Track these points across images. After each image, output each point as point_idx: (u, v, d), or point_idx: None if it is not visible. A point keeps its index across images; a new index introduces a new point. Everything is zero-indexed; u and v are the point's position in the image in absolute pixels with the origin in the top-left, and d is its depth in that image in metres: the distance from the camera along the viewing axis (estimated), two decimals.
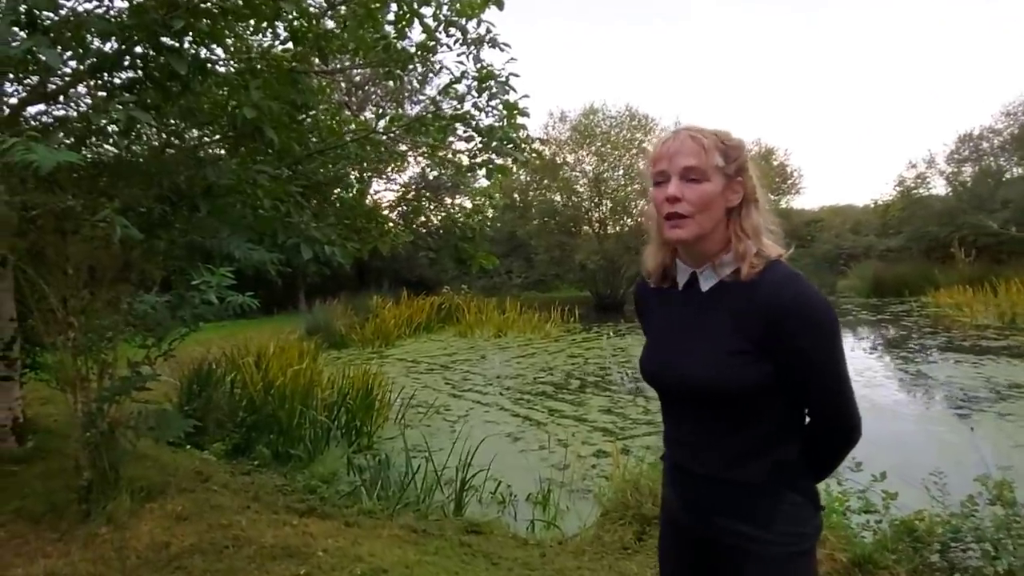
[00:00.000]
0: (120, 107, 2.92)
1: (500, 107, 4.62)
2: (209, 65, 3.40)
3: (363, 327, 15.32)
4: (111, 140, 3.24)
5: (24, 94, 4.37)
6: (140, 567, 3.00)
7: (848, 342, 13.10)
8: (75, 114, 3.52)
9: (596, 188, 21.49)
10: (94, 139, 3.33)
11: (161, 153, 3.48)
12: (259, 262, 3.84)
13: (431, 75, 5.12)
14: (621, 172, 20.99)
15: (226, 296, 3.42)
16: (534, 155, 5.38)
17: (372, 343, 14.49)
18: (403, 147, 5.30)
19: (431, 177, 24.15)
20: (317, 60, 4.80)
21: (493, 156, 4.76)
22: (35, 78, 4.10)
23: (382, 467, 6.00)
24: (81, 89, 3.78)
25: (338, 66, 5.54)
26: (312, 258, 4.20)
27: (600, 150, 20.77)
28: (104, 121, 2.96)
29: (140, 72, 3.38)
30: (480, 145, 4.81)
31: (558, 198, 22.04)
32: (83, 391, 3.68)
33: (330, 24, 4.69)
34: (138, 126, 3.15)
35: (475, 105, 4.48)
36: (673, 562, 1.54)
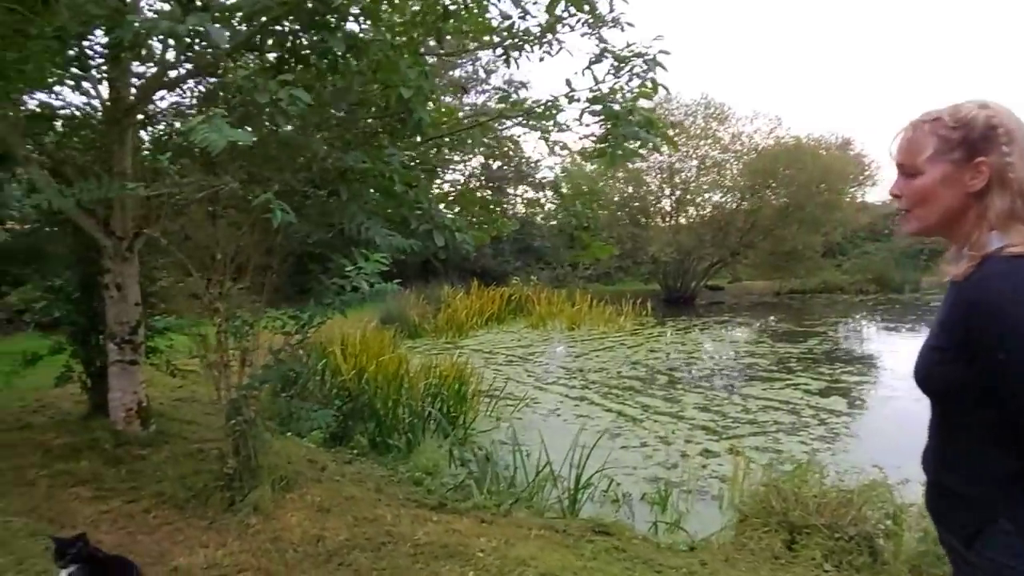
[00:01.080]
0: (280, 86, 2.82)
1: (635, 88, 4.37)
2: (361, 43, 3.26)
3: (435, 317, 15.31)
4: (266, 120, 3.14)
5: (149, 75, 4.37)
6: (301, 561, 2.92)
7: None
8: (228, 95, 3.44)
9: (669, 179, 20.96)
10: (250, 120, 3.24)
11: (315, 134, 3.38)
12: (399, 248, 3.71)
13: (548, 56, 4.74)
14: (695, 163, 20.43)
15: (374, 282, 3.31)
16: (666, 139, 5.05)
17: (445, 333, 14.47)
18: (516, 132, 5.10)
19: (494, 168, 24.09)
20: (433, 42, 4.66)
21: (626, 139, 4.51)
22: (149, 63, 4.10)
23: (489, 461, 5.88)
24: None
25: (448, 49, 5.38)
26: (443, 245, 4.07)
27: (674, 139, 20.18)
28: (265, 100, 2.85)
29: (285, 51, 3.28)
30: (607, 128, 4.57)
31: (630, 189, 21.59)
32: (225, 377, 3.63)
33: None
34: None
35: (612, 88, 4.23)
36: None
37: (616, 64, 4.24)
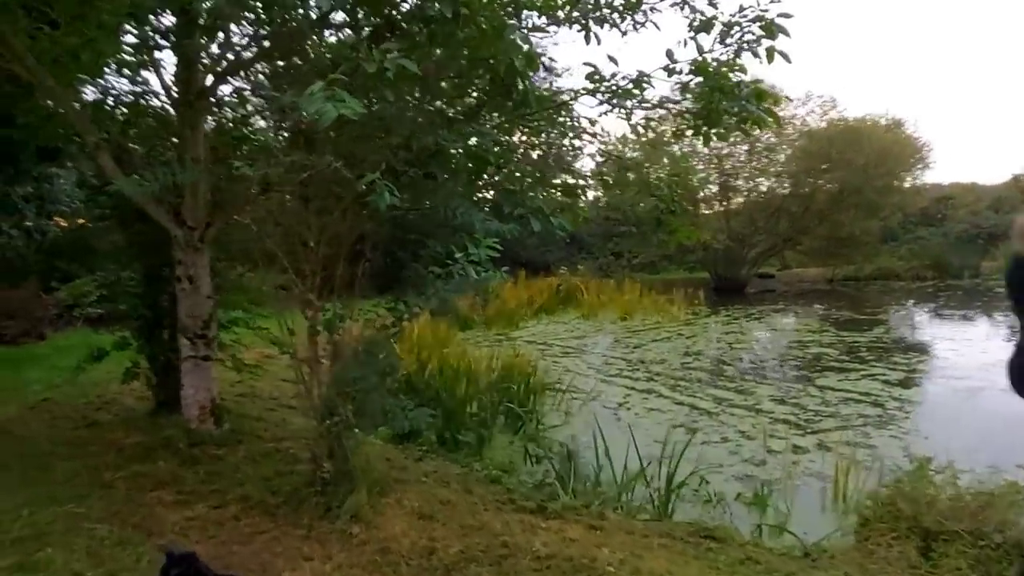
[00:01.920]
0: (383, 55, 2.52)
1: (743, 58, 3.97)
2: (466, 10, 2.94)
3: (484, 308, 15.04)
4: (369, 94, 2.85)
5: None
6: None
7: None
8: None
9: (718, 164, 20.29)
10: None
11: (415, 110, 3.08)
12: (496, 233, 3.41)
13: (633, 31, 4.34)
14: (746, 147, 19.70)
15: (483, 269, 3.02)
16: (771, 115, 4.62)
17: (495, 324, 14.21)
18: (599, 111, 4.74)
19: (534, 156, 23.56)
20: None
21: (728, 114, 4.12)
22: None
23: (571, 459, 5.57)
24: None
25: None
26: (538, 231, 3.76)
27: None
28: (373, 70, 2.55)
29: (383, 19, 2.97)
30: (706, 103, 4.18)
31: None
32: (317, 374, 3.37)
33: None
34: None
35: (717, 59, 3.85)
36: None
37: (724, 30, 3.84)
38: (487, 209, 3.79)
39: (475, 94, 3.37)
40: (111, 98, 4.66)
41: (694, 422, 7.19)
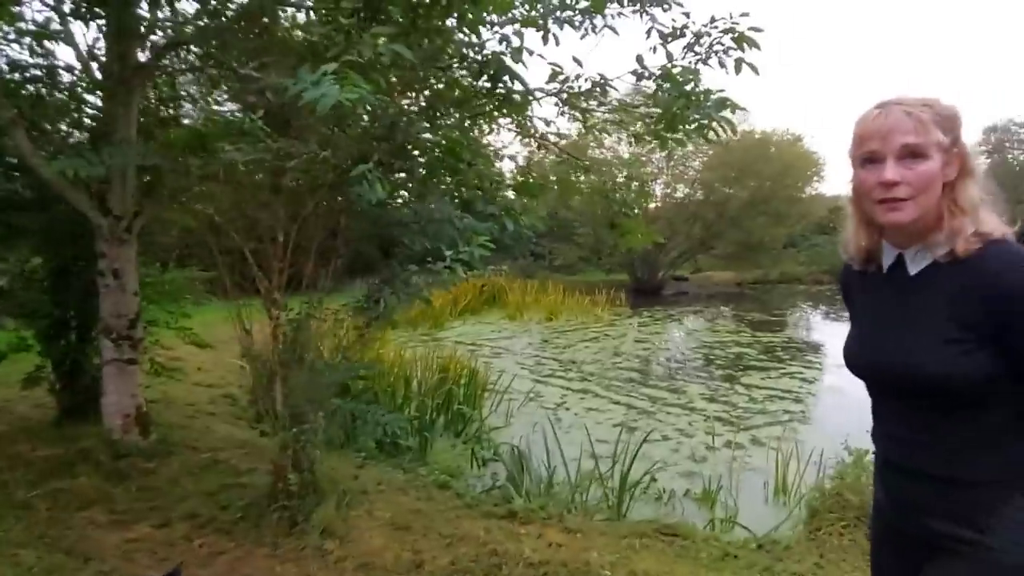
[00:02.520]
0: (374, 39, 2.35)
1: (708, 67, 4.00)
2: None
3: (409, 308, 14.75)
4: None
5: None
6: None
7: None
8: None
9: (637, 170, 20.77)
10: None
11: (399, 99, 2.89)
12: (475, 231, 3.28)
13: (591, 33, 4.29)
14: (663, 154, 20.28)
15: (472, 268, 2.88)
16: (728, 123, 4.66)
17: (420, 324, 13.92)
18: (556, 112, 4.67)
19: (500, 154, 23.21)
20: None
21: (689, 120, 4.14)
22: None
23: (523, 460, 5.47)
24: None
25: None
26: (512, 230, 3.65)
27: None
28: (369, 55, 2.36)
29: (364, 3, 2.78)
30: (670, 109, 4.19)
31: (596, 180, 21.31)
32: (282, 378, 3.12)
33: None
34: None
35: (684, 67, 3.86)
36: (889, 567, 1.41)
37: (694, 40, 3.86)
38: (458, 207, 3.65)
39: (457, 89, 3.19)
40: (18, 72, 4.15)
41: (633, 421, 7.28)
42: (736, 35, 3.75)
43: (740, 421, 7.23)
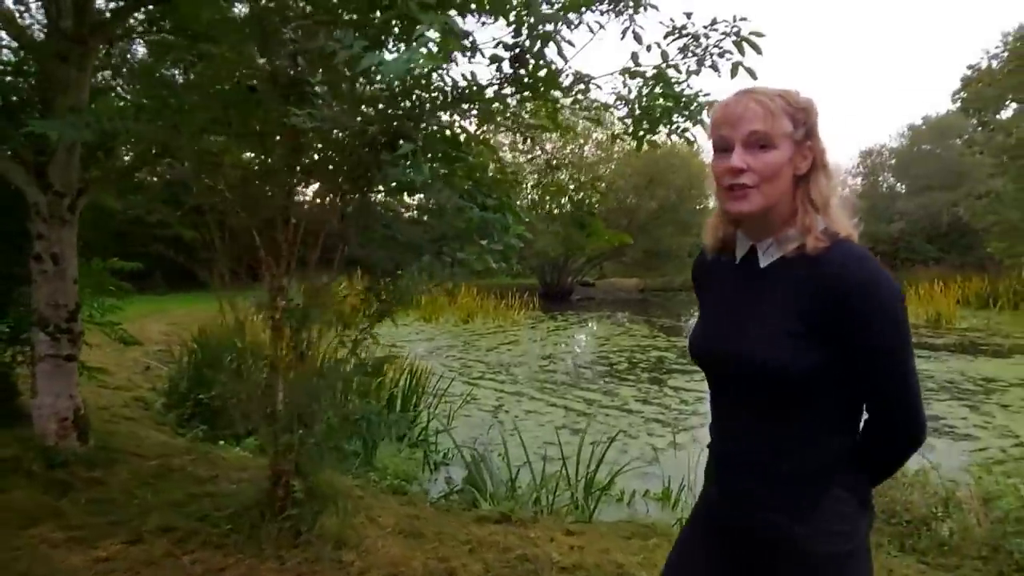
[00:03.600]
0: None
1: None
2: None
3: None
4: None
5: None
6: None
7: None
8: None
9: (548, 175, 21.11)
10: None
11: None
12: (499, 224, 3.17)
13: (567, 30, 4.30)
14: (574, 160, 20.73)
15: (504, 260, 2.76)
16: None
17: (333, 326, 13.39)
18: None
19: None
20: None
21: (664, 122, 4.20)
22: None
23: (483, 463, 5.33)
24: None
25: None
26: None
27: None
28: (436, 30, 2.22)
29: None
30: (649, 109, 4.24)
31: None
32: (282, 375, 2.85)
33: None
34: None
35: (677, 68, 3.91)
36: (700, 563, 1.38)
37: (692, 41, 3.92)
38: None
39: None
40: None
41: (575, 423, 7.32)
42: (737, 39, 3.85)
43: (677, 423, 7.45)
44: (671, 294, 22.47)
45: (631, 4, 4.13)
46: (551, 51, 3.15)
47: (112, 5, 3.33)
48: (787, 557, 1.22)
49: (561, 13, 3.05)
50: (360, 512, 3.08)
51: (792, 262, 1.21)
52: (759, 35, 3.88)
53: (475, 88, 3.06)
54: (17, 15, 3.62)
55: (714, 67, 4.09)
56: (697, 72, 3.94)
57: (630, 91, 4.45)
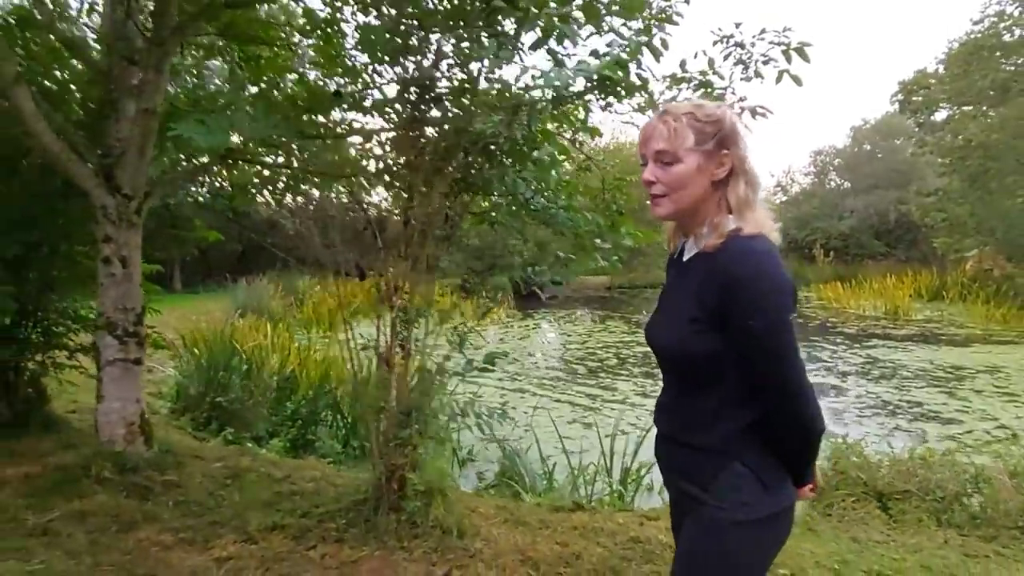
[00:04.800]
0: None
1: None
2: None
3: (300, 309, 14.01)
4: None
5: None
6: None
7: None
8: None
9: None
10: None
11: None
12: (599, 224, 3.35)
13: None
14: None
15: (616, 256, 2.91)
16: None
17: (315, 326, 13.27)
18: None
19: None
20: None
21: None
22: None
23: (518, 458, 5.47)
24: None
25: None
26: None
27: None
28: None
29: None
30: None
31: None
32: (394, 374, 2.95)
33: None
34: None
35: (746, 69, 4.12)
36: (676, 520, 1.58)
37: (738, 48, 4.14)
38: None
39: None
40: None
41: (584, 417, 7.51)
42: (785, 48, 4.09)
43: None
44: (637, 291, 22.95)
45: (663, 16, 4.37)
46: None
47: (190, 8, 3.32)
48: (698, 519, 1.38)
49: (654, 22, 3.23)
50: (454, 504, 3.19)
51: (703, 256, 1.36)
52: (806, 44, 4.14)
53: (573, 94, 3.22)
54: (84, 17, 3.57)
55: (757, 74, 4.34)
56: (750, 79, 4.18)
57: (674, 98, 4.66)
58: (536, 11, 2.55)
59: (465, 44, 2.53)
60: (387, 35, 2.36)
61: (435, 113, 2.67)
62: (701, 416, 1.38)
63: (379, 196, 3.61)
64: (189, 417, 6.51)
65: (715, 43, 4.23)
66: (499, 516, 3.11)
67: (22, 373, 4.53)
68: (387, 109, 2.72)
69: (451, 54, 2.54)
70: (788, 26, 4.14)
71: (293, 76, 4.23)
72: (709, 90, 4.29)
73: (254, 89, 3.86)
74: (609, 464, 5.38)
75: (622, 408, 7.90)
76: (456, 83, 2.67)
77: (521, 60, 2.89)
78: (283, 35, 4.19)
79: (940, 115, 20.23)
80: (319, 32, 3.28)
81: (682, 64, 4.32)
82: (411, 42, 2.46)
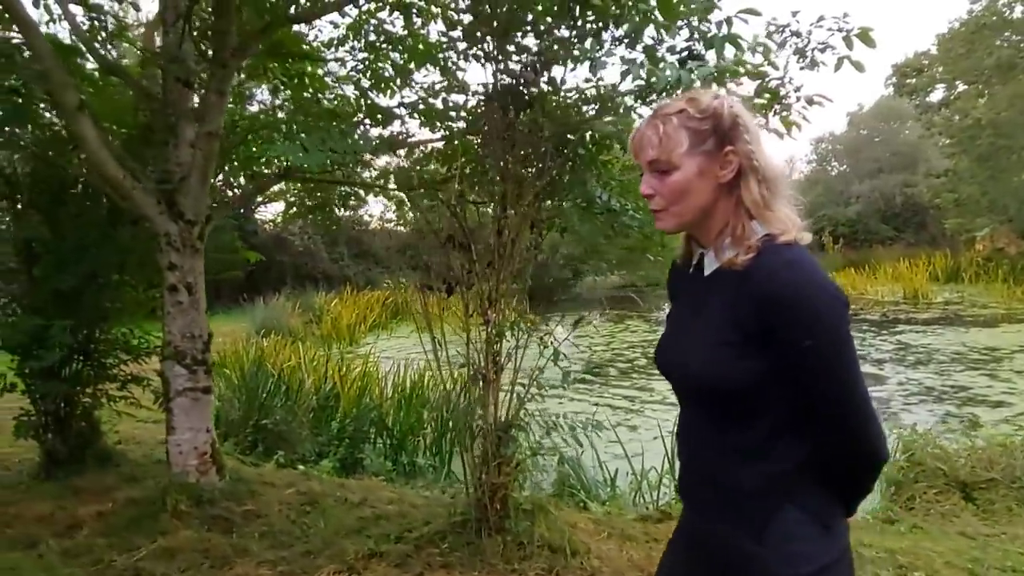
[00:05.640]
0: None
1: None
2: None
3: (318, 325, 13.93)
4: None
5: None
6: None
7: None
8: None
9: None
10: None
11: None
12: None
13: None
14: None
15: None
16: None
17: (334, 342, 13.18)
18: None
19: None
20: None
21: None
22: None
23: (579, 467, 5.39)
24: None
25: None
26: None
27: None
28: None
29: None
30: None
31: None
32: (492, 393, 2.87)
33: None
34: None
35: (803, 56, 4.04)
36: (680, 567, 1.34)
37: (797, 37, 4.07)
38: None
39: None
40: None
41: (627, 420, 7.43)
42: (846, 34, 4.00)
43: None
44: (650, 288, 22.90)
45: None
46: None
47: (250, 28, 3.24)
48: (746, 574, 1.18)
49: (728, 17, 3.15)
50: (560, 519, 3.10)
51: (730, 272, 1.17)
52: (869, 29, 4.06)
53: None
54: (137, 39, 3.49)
55: (814, 63, 4.26)
56: (811, 67, 4.09)
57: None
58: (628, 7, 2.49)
59: (557, 46, 2.45)
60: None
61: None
62: (740, 453, 1.18)
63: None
64: (233, 442, 6.40)
65: (770, 33, 4.16)
66: (601, 531, 3.02)
67: (75, 407, 4.43)
68: (475, 116, 2.64)
69: (541, 56, 2.46)
70: (846, 12, 4.07)
71: (332, 92, 4.16)
72: (764, 81, 4.21)
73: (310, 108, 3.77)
74: (672, 467, 5.27)
75: (663, 409, 7.80)
76: (546, 86, 2.60)
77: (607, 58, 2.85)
78: (324, 50, 4.12)
79: (935, 96, 20.26)
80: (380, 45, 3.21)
81: (736, 57, 4.26)
82: (508, 46, 2.38)
